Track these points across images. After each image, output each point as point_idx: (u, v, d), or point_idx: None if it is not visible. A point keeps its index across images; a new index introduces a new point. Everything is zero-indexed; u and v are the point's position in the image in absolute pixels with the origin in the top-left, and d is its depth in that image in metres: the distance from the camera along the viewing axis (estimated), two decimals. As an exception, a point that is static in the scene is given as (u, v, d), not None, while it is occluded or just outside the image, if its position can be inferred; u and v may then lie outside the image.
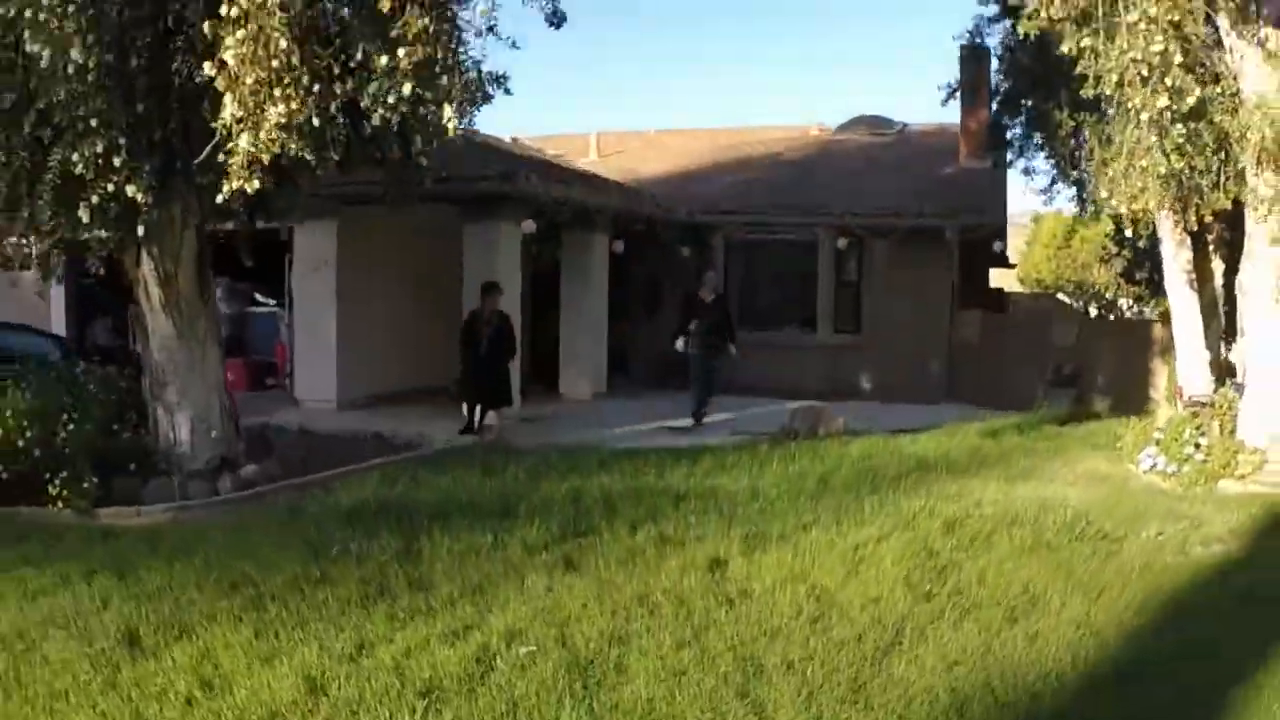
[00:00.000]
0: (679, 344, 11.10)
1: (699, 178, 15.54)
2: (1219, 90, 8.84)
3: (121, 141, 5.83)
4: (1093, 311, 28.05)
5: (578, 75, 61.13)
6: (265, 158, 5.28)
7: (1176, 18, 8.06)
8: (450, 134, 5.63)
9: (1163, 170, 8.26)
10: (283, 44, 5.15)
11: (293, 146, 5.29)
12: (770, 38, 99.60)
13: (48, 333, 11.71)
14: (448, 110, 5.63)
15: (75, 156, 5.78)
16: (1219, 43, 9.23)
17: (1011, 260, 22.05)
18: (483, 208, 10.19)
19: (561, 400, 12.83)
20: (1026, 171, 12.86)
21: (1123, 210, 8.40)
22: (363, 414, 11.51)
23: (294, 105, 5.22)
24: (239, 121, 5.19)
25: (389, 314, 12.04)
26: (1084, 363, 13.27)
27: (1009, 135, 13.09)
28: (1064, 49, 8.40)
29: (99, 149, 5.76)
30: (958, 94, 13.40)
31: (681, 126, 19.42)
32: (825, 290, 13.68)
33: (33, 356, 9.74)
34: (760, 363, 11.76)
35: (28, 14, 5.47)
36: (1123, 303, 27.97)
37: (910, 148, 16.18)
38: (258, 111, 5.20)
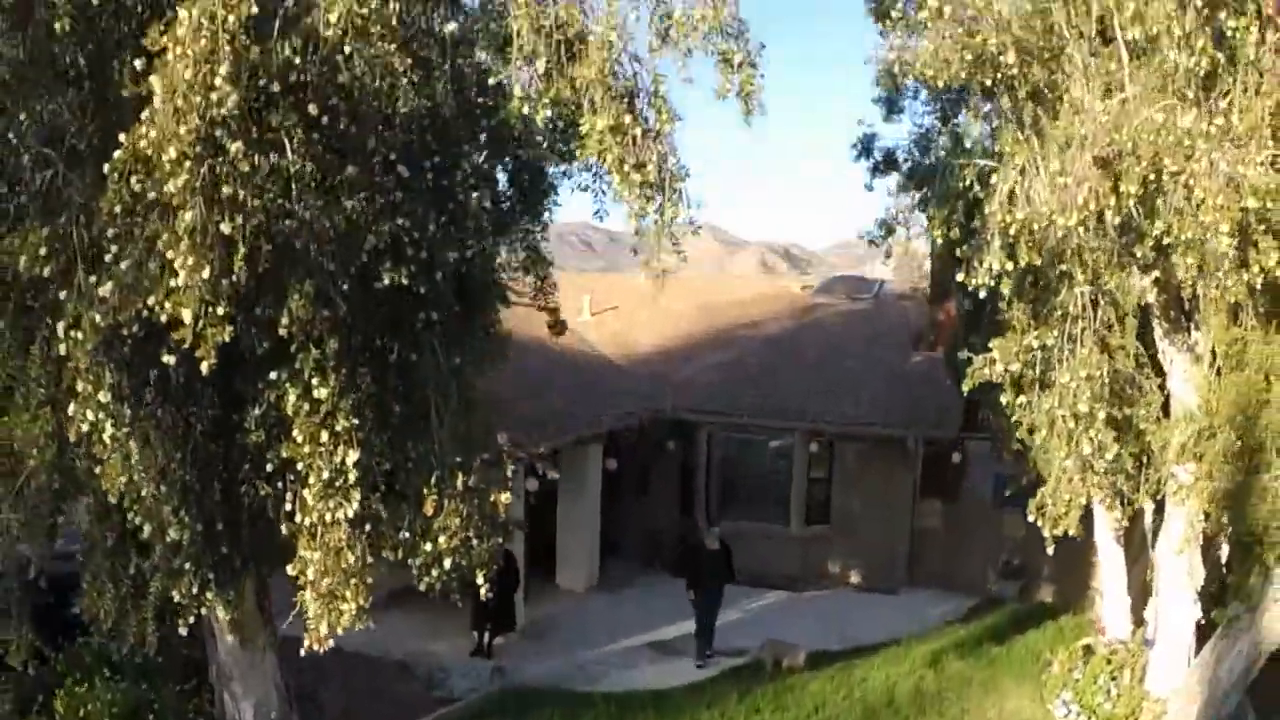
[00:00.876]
0: (691, 595, 12.44)
1: (684, 354, 16.88)
2: (1144, 410, 10.22)
3: (210, 576, 7.17)
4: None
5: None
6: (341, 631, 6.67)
7: (1104, 369, 9.46)
8: (482, 596, 7.03)
9: (1084, 501, 9.69)
10: (350, 558, 6.50)
11: (359, 625, 6.66)
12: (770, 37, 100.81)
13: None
14: (480, 576, 7.03)
15: (173, 592, 7.10)
16: (1152, 359, 10.58)
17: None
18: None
19: (558, 593, 14.28)
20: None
21: (1047, 534, 9.79)
22: (380, 615, 12.86)
23: (361, 601, 6.58)
24: (317, 613, 6.54)
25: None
26: (1031, 557, 14.77)
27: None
28: (1003, 400, 9.78)
29: (194, 589, 7.10)
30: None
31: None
32: (798, 486, 15.19)
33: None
34: (739, 550, 13.16)
35: (122, 480, 6.67)
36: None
37: (885, 318, 17.54)
38: (333, 601, 6.56)
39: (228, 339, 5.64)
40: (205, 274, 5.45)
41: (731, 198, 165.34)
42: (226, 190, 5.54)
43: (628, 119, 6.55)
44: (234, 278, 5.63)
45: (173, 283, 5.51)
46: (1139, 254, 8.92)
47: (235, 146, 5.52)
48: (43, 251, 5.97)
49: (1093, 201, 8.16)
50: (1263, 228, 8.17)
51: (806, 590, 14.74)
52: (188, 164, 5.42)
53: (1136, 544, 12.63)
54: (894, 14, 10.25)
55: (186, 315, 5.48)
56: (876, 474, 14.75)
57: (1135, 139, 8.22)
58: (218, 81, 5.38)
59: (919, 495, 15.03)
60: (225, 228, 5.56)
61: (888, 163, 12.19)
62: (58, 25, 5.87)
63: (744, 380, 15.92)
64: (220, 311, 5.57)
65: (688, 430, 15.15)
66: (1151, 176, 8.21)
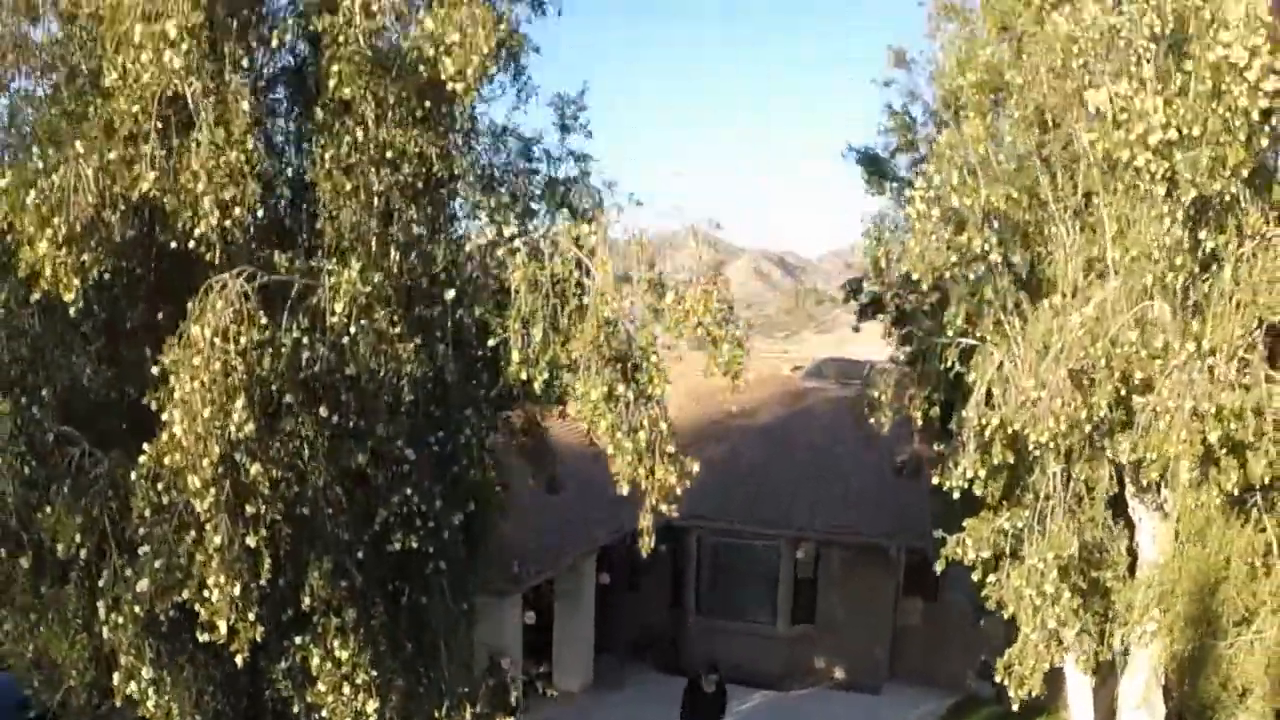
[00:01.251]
0: None
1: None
2: (1110, 571, 10.75)
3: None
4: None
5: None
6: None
7: (1072, 546, 9.98)
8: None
9: (1048, 667, 10.26)
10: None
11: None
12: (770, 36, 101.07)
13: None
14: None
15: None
16: (1121, 517, 11.09)
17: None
18: (493, 592, 12.10)
19: (555, 695, 14.86)
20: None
21: (1013, 694, 10.36)
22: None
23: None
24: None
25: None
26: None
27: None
28: (974, 577, 10.31)
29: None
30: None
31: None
32: (785, 588, 15.81)
33: None
34: (726, 649, 13.81)
35: (150, 684, 7.21)
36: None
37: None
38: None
39: (259, 639, 6.15)
40: (237, 590, 5.95)
41: (728, 197, 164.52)
42: (250, 509, 6.02)
43: (621, 387, 7.05)
44: (261, 582, 6.14)
45: (204, 593, 6.00)
46: (1109, 449, 9.44)
47: (255, 469, 5.98)
48: (77, 537, 6.43)
49: (1064, 418, 8.63)
50: (1225, 450, 8.66)
51: (792, 688, 15.38)
52: (212, 489, 5.88)
53: (1105, 666, 13.22)
54: (886, 193, 10.75)
55: (221, 624, 5.99)
56: (860, 578, 15.38)
57: (1109, 353, 8.70)
58: (235, 416, 5.81)
59: (901, 595, 15.64)
60: (251, 541, 6.05)
61: (875, 306, 12.70)
62: (72, 310, 6.20)
63: (735, 476, 16.43)
64: (251, 616, 6.08)
65: (679, 535, 15.71)
66: (1123, 391, 8.70)
